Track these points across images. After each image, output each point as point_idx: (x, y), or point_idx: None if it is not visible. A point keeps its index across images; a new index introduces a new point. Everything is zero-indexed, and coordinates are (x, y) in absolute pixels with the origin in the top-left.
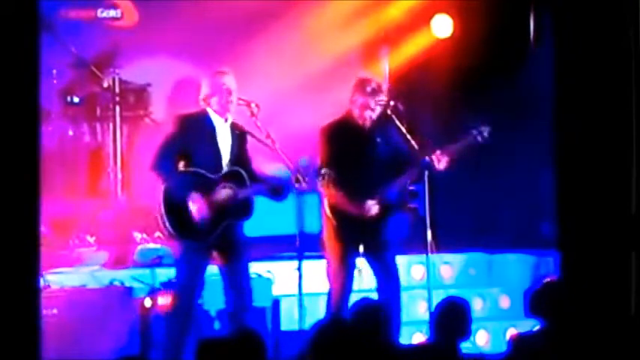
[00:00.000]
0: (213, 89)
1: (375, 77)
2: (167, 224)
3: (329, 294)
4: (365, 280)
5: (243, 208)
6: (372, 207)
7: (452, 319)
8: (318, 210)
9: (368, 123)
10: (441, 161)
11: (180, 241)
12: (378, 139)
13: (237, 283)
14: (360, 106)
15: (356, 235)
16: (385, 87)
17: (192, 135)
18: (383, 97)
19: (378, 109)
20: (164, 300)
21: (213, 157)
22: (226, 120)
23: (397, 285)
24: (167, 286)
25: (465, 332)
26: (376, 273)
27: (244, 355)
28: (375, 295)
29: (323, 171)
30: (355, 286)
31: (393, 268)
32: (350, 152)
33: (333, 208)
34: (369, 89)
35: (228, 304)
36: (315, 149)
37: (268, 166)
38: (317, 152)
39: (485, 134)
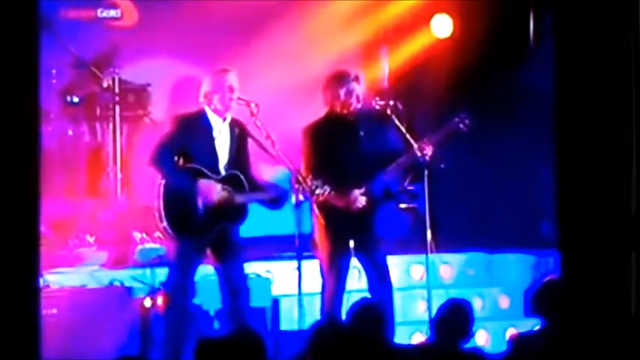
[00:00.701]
0: (215, 87)
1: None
2: (164, 220)
3: (322, 293)
4: (364, 279)
5: (238, 213)
6: (359, 198)
7: (454, 320)
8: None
9: (352, 115)
10: (425, 150)
11: (175, 238)
12: (362, 132)
13: (232, 283)
14: (344, 94)
15: (345, 233)
16: (362, 80)
17: (189, 135)
18: (362, 86)
19: (360, 99)
20: (162, 300)
21: (211, 157)
22: (225, 119)
23: (389, 285)
24: (164, 286)
25: (467, 334)
26: (368, 273)
27: (244, 355)
28: (367, 296)
29: (319, 191)
30: (354, 286)
31: (385, 268)
32: (334, 146)
33: (320, 204)
34: (352, 76)
35: (223, 304)
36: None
37: (267, 171)
38: (301, 155)
39: (467, 121)
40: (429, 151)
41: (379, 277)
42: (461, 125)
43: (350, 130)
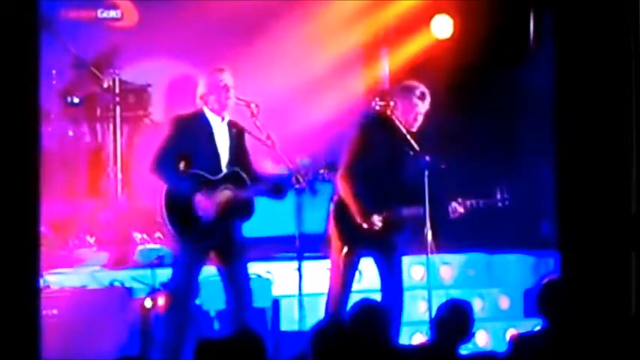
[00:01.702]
0: (210, 87)
1: (420, 84)
2: (169, 226)
3: (328, 293)
4: (365, 280)
5: (243, 210)
6: (376, 223)
7: (454, 321)
8: (318, 210)
9: (406, 129)
10: (456, 212)
11: (181, 242)
12: (410, 151)
13: (236, 284)
14: (403, 110)
15: (360, 235)
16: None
17: (189, 136)
18: (425, 105)
19: (420, 120)
20: (164, 300)
21: (212, 157)
22: (223, 119)
23: (400, 286)
24: (166, 286)
25: (467, 334)
26: (381, 273)
27: (244, 356)
28: (376, 296)
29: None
30: (355, 287)
31: (398, 270)
32: (382, 154)
33: (339, 206)
34: (417, 93)
35: (228, 305)
36: (337, 139)
37: (268, 165)
38: (346, 140)
39: (507, 202)
40: (458, 212)
41: (392, 279)
42: (500, 204)
43: (400, 144)
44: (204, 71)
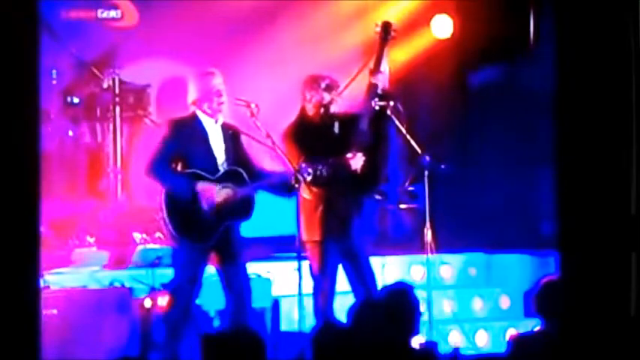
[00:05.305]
0: (203, 92)
1: (328, 74)
2: (170, 226)
3: (315, 295)
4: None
5: (243, 209)
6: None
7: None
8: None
9: (325, 119)
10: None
11: (181, 242)
12: (340, 135)
13: (236, 284)
14: (315, 103)
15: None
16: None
17: (183, 139)
18: (336, 94)
19: (335, 106)
20: (164, 301)
21: (208, 158)
22: (217, 121)
23: (374, 287)
24: (167, 286)
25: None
26: (350, 280)
27: (243, 356)
28: (354, 298)
29: (318, 170)
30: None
31: (368, 271)
32: (315, 150)
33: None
34: (323, 85)
35: (227, 305)
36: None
37: (270, 162)
38: (288, 155)
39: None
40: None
41: (362, 283)
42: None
43: (326, 133)
44: (193, 74)
